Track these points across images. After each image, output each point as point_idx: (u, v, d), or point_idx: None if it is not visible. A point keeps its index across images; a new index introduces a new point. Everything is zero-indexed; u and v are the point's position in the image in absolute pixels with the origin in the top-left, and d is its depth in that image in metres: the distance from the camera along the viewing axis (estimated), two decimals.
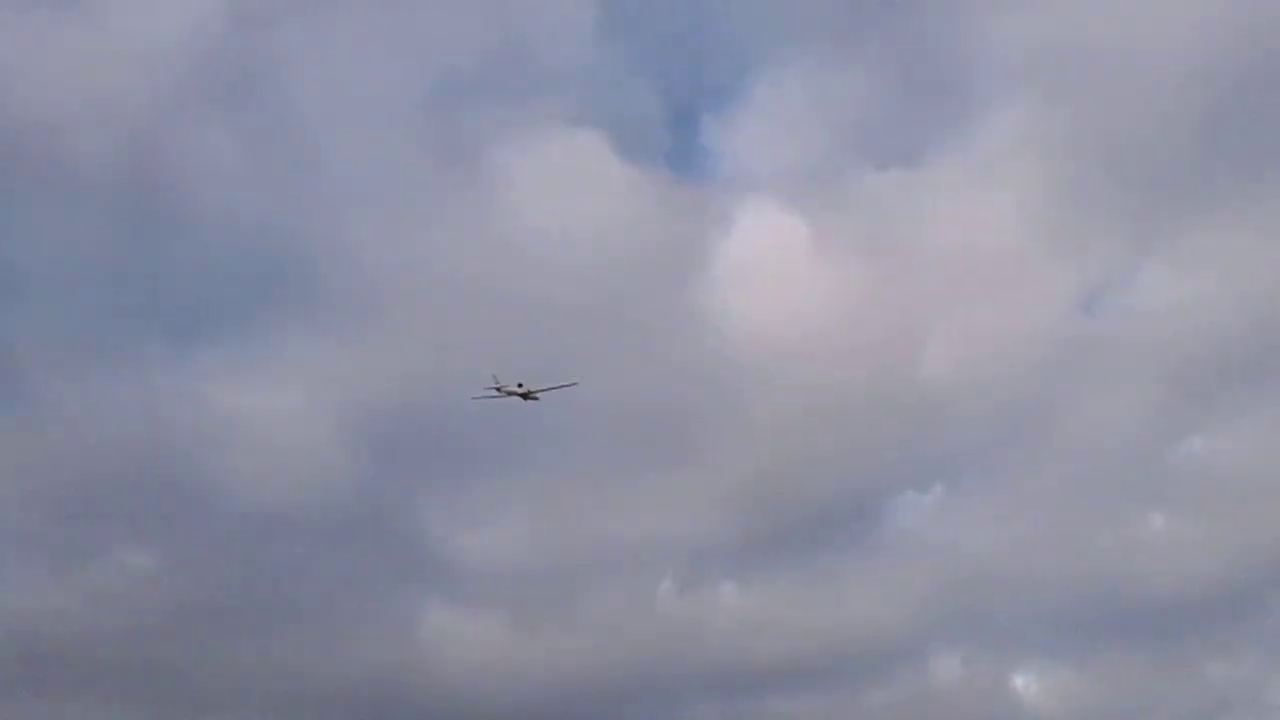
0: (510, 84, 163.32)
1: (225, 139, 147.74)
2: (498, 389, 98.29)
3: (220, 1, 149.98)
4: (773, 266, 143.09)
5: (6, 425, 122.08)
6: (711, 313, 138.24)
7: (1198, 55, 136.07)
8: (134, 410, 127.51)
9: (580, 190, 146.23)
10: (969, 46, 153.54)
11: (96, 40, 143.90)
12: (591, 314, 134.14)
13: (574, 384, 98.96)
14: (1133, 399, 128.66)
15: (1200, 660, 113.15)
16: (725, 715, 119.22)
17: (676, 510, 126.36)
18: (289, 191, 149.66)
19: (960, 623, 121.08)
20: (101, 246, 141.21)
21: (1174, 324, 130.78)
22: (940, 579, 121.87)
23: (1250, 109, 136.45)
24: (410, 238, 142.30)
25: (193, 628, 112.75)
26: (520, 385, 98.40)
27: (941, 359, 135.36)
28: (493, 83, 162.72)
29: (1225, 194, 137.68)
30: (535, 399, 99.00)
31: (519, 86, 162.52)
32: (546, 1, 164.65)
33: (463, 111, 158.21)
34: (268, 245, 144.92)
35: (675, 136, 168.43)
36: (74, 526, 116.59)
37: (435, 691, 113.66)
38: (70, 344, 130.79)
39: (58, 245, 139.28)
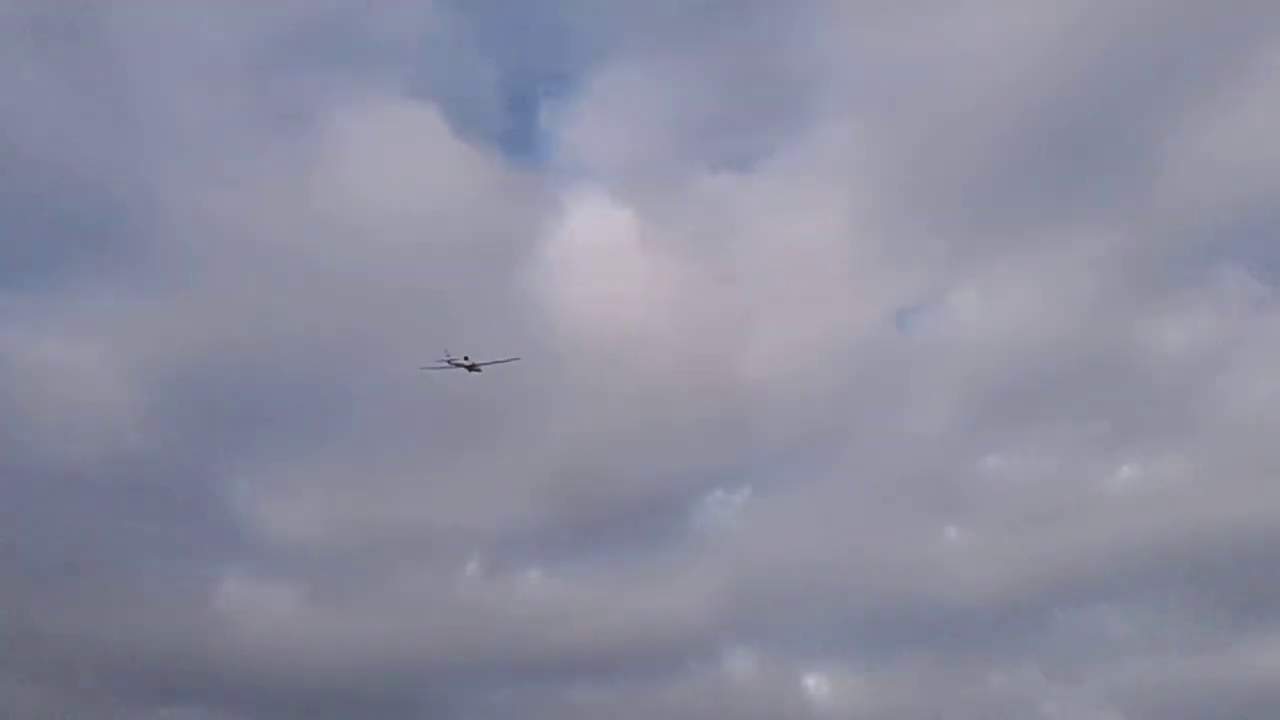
0: (343, 49, 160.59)
1: (42, 83, 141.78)
2: (448, 361, 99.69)
3: None
4: (600, 258, 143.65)
5: None
6: (535, 300, 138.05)
7: (1023, 80, 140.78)
8: None
9: (410, 165, 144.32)
10: (809, 59, 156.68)
11: None
12: (411, 294, 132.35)
13: (517, 359, 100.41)
14: (936, 415, 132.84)
15: (984, 670, 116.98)
16: (523, 701, 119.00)
17: (485, 495, 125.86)
18: (105, 142, 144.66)
19: (757, 622, 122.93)
20: None
21: (979, 344, 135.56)
22: (741, 578, 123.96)
23: (1064, 133, 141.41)
24: (228, 200, 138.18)
25: None
26: (466, 358, 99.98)
27: (760, 362, 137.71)
28: (325, 47, 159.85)
29: (1036, 218, 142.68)
30: (478, 371, 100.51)
31: (352, 53, 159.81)
32: None
33: (291, 75, 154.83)
34: (78, 194, 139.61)
35: (512, 119, 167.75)
36: None
37: (230, 663, 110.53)
38: None
39: None
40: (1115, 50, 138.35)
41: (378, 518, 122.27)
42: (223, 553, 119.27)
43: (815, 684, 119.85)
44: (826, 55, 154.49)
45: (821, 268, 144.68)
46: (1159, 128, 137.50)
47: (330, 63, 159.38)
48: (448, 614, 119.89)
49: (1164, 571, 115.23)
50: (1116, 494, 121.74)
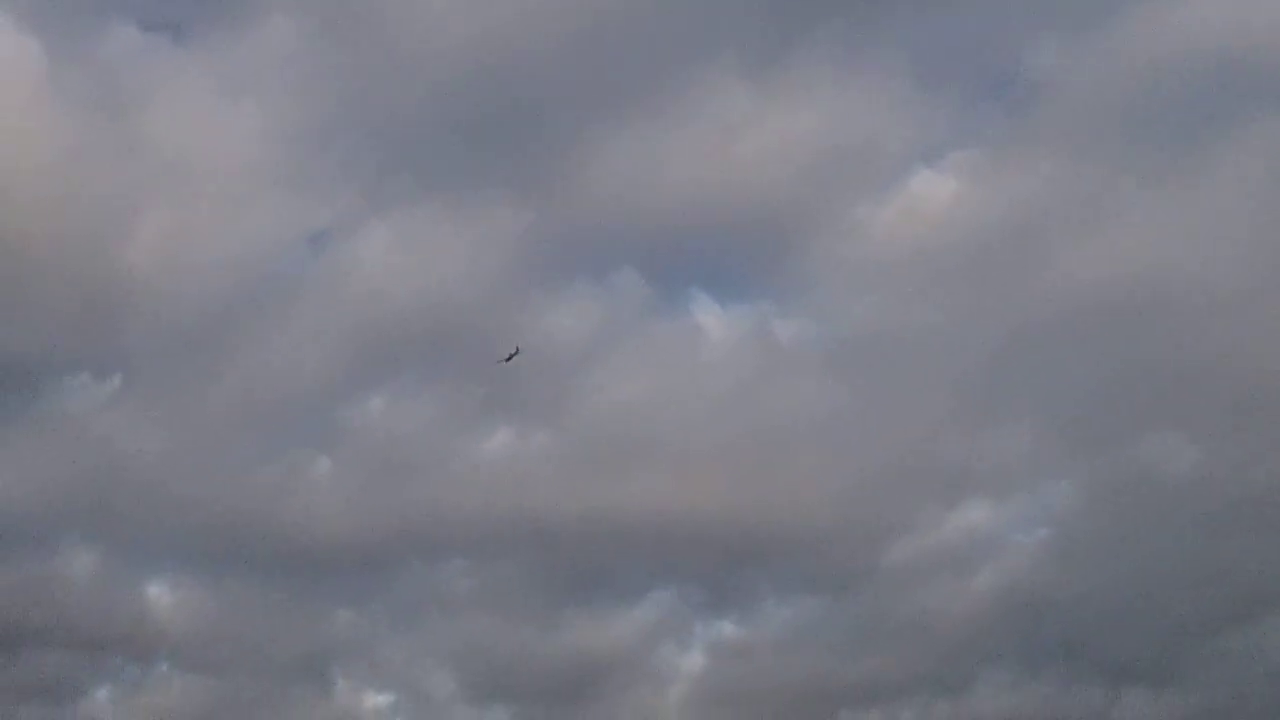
0: None
1: None
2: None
3: None
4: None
5: None
6: None
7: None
8: None
9: None
10: None
11: None
12: None
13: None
14: (327, 346, 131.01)
15: (331, 607, 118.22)
16: None
17: None
18: None
19: (104, 520, 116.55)
20: None
21: (383, 286, 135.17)
22: (92, 472, 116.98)
23: (505, 110, 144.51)
24: None
25: None
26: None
27: (150, 250, 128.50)
28: None
29: (462, 180, 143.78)
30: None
31: None
32: None
33: None
34: None
35: None
36: None
37: None
38: None
39: None
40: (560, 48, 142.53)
41: None
42: None
43: (157, 593, 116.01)
44: None
45: (237, 164, 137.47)
46: (596, 126, 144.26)
47: None
48: None
49: (510, 539, 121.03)
50: (483, 459, 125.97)
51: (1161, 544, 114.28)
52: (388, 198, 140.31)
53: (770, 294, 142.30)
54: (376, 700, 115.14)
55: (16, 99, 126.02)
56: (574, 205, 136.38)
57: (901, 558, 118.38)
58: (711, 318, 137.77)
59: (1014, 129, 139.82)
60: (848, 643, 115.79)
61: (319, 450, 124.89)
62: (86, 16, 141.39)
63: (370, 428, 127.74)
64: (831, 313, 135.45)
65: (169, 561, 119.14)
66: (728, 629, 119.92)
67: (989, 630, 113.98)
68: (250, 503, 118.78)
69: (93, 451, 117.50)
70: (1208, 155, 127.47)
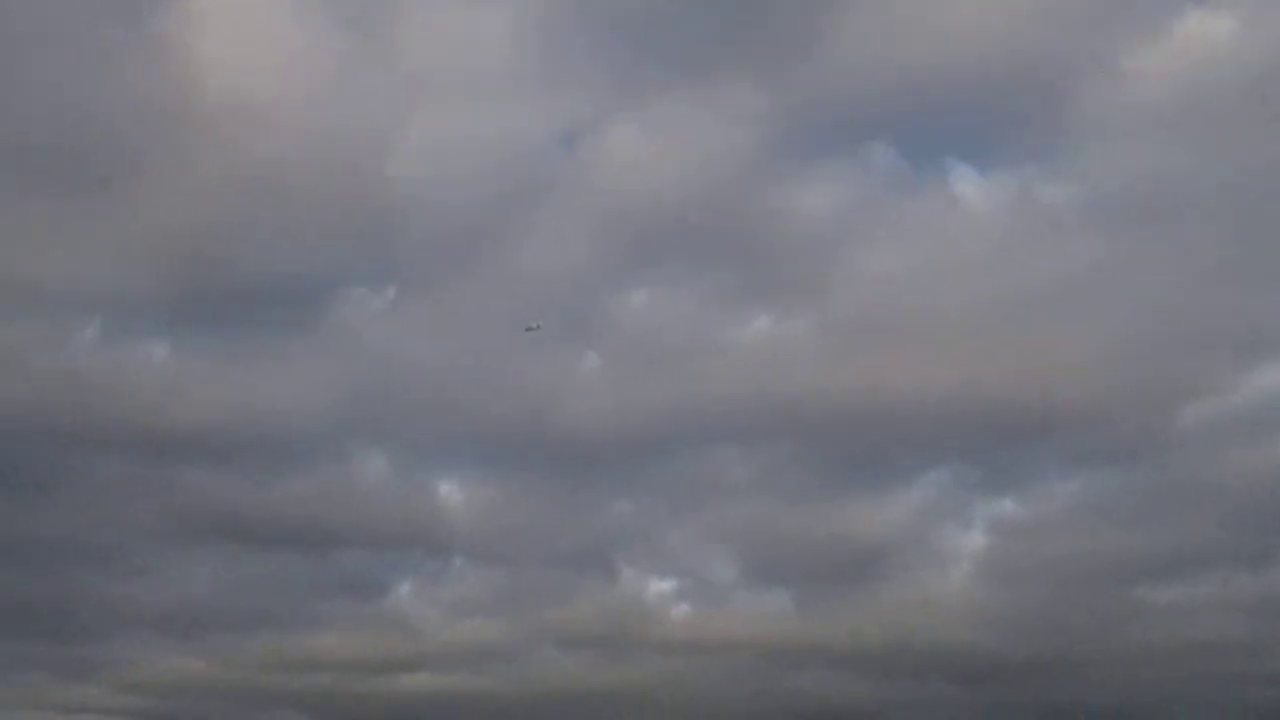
0: None
1: None
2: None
3: None
4: (254, 14, 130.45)
5: None
6: (176, 48, 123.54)
7: None
8: None
9: None
10: None
11: None
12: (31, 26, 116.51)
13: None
14: (583, 242, 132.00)
15: (609, 498, 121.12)
16: (138, 477, 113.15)
17: (105, 255, 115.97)
18: None
19: (390, 426, 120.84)
20: None
21: (633, 180, 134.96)
22: (377, 380, 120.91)
23: None
24: None
25: None
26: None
27: (411, 161, 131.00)
28: None
29: (701, 66, 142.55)
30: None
31: None
32: None
33: None
34: None
35: None
36: None
37: None
38: None
39: None
40: None
41: None
42: None
43: (447, 491, 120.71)
44: None
45: (485, 70, 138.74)
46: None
47: None
48: (57, 377, 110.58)
49: (780, 424, 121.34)
50: (746, 344, 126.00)
51: None
52: (634, 90, 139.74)
53: (1033, 157, 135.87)
54: (660, 586, 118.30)
55: (272, 30, 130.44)
56: (821, 81, 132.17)
57: (1192, 424, 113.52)
58: (970, 186, 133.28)
59: None
60: (1139, 516, 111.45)
61: (586, 345, 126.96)
62: None
63: (634, 320, 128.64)
64: (1099, 170, 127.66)
65: (455, 461, 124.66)
66: (1008, 507, 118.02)
67: None
68: (525, 401, 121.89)
69: (374, 361, 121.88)
70: None
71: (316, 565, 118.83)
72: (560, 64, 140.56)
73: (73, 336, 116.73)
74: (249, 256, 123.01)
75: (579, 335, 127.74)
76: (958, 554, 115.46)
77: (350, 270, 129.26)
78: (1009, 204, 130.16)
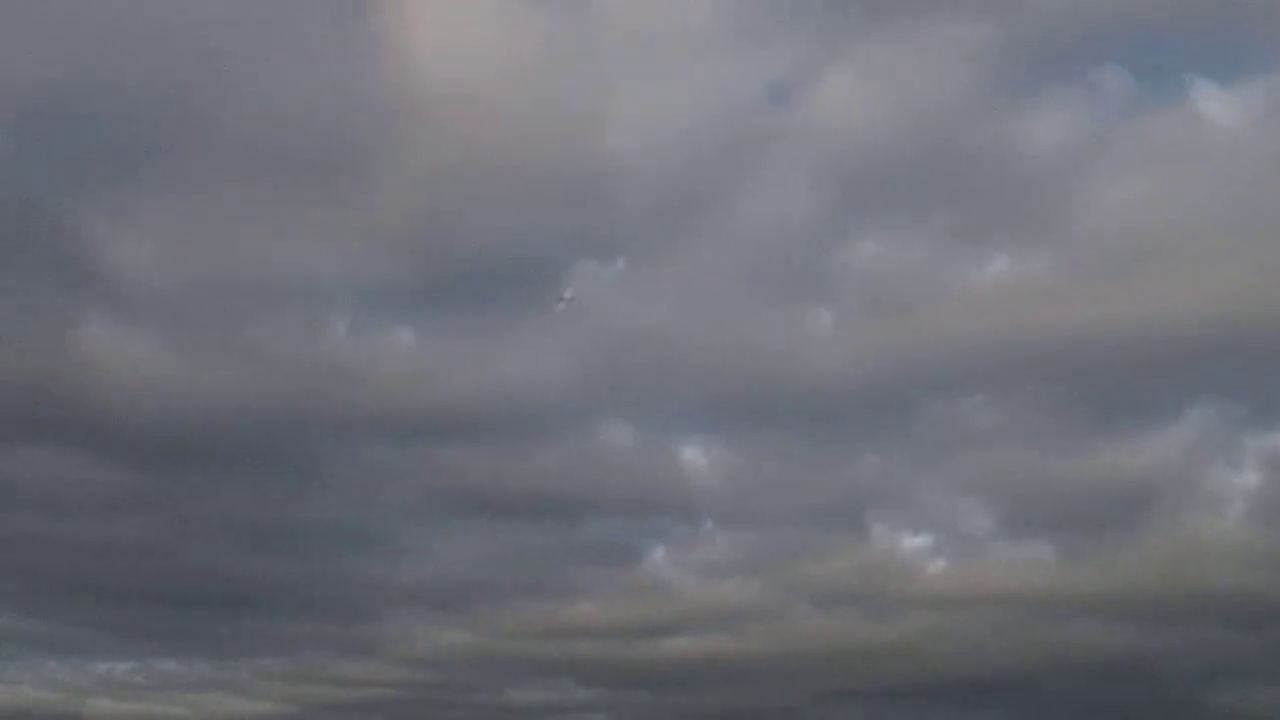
0: None
1: None
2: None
3: None
4: (457, 1, 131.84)
5: None
6: (394, 42, 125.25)
7: None
8: None
9: None
10: None
11: None
12: (261, 29, 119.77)
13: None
14: (805, 194, 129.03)
15: (854, 454, 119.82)
16: (395, 460, 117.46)
17: (348, 247, 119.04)
18: None
19: (631, 394, 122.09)
20: None
21: (852, 125, 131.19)
22: (614, 350, 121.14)
23: None
24: None
25: None
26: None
27: (626, 130, 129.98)
28: None
29: (910, 7, 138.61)
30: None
31: None
32: None
33: None
34: None
35: None
36: None
37: (86, 409, 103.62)
38: None
39: None
40: None
41: (236, 263, 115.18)
42: (76, 291, 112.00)
43: (692, 456, 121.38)
44: None
45: (689, 28, 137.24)
46: None
47: None
48: (313, 368, 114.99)
49: (1027, 367, 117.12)
50: (983, 286, 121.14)
51: None
52: (846, 33, 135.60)
53: None
54: (915, 541, 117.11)
55: (475, 14, 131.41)
56: (1040, 6, 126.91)
57: None
58: (1214, 103, 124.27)
59: None
60: None
61: (818, 300, 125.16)
62: None
63: (865, 269, 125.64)
64: None
65: (698, 425, 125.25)
66: None
67: None
68: (761, 361, 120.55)
69: (610, 332, 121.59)
70: None
71: (570, 535, 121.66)
72: (766, 13, 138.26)
73: (324, 328, 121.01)
74: (478, 239, 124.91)
75: (809, 289, 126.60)
76: (1229, 494, 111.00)
77: (579, 244, 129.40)
78: (1260, 117, 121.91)
